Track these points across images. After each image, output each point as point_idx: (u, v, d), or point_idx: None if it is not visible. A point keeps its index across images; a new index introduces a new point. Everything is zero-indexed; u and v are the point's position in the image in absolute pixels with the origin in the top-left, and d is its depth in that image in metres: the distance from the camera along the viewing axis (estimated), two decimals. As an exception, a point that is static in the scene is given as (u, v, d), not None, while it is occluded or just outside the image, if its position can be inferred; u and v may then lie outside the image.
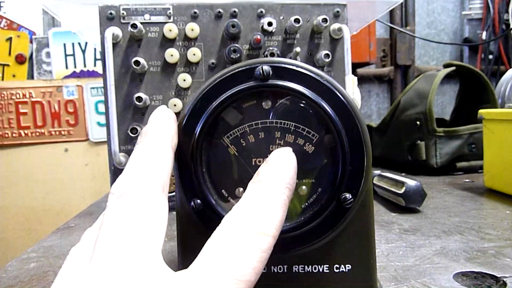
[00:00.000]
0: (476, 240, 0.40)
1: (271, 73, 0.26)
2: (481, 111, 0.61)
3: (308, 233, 0.27)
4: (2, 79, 1.44)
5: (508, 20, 1.42)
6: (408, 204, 0.50)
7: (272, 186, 0.23)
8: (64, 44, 1.43)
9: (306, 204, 0.27)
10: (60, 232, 0.50)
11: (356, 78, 0.57)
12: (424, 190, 0.50)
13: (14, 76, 1.44)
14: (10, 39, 1.43)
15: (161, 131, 0.25)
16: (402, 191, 0.50)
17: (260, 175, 0.24)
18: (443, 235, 0.42)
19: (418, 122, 0.77)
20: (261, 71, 0.26)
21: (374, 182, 0.61)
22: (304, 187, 0.27)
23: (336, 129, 0.26)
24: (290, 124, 0.27)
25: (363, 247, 0.27)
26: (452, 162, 0.76)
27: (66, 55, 1.43)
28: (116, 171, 0.58)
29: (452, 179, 0.73)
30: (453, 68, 0.81)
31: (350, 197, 0.26)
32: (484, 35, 1.45)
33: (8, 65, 1.44)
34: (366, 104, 1.62)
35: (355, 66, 1.46)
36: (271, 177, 0.23)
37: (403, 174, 0.80)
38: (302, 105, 0.27)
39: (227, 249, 0.20)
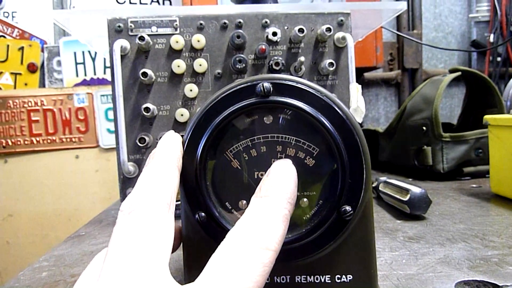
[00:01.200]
0: (480, 248, 0.40)
1: (271, 89, 0.27)
2: (486, 117, 0.62)
3: (309, 244, 0.27)
4: (15, 88, 1.47)
5: (516, 22, 1.42)
6: (413, 211, 0.50)
7: (274, 201, 0.24)
8: (75, 53, 1.46)
9: (308, 215, 0.28)
10: (71, 240, 0.51)
11: (360, 86, 0.57)
12: (429, 197, 0.51)
13: (26, 84, 1.47)
14: (22, 48, 1.46)
15: (167, 153, 0.26)
16: (406, 198, 0.51)
17: (262, 190, 0.24)
18: (447, 243, 0.42)
19: (424, 128, 0.77)
20: (261, 88, 0.27)
21: (379, 188, 0.61)
22: (305, 199, 0.28)
23: (335, 143, 0.27)
24: (291, 138, 0.28)
25: (364, 258, 0.28)
26: (459, 167, 0.76)
27: (76, 63, 1.46)
28: (125, 180, 0.59)
29: (459, 184, 0.73)
30: (459, 73, 0.81)
31: (350, 209, 0.27)
32: (491, 38, 1.45)
33: (20, 73, 1.47)
34: (374, 108, 1.62)
35: (362, 71, 1.46)
36: (272, 192, 0.24)
37: (410, 179, 0.80)
38: (302, 119, 0.28)
39: (230, 264, 0.21)
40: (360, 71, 1.47)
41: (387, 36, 1.53)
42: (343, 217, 0.27)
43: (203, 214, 0.28)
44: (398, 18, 1.56)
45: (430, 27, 1.63)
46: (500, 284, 0.32)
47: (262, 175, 0.28)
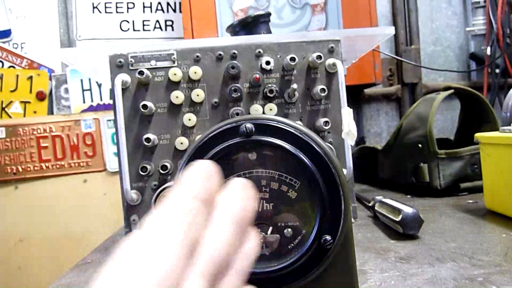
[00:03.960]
0: (467, 267, 0.41)
1: (254, 129, 0.29)
2: (477, 135, 0.63)
3: (294, 272, 0.29)
4: (24, 116, 1.51)
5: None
6: (405, 231, 0.52)
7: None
8: (81, 80, 1.50)
9: (292, 245, 0.30)
10: (77, 268, 0.53)
11: (351, 110, 0.59)
12: (421, 216, 0.52)
13: (35, 112, 1.52)
14: (31, 77, 1.51)
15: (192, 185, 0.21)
16: (399, 218, 0.52)
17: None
18: (437, 263, 0.43)
19: (420, 145, 0.79)
20: (244, 128, 0.29)
21: (375, 208, 0.63)
22: (289, 229, 0.30)
23: (314, 178, 0.29)
24: (274, 173, 0.30)
25: (346, 285, 0.30)
26: (456, 183, 0.77)
27: (83, 90, 1.50)
28: (128, 208, 0.62)
29: (456, 200, 0.74)
30: (452, 91, 0.83)
31: (330, 238, 0.29)
32: (488, 51, 1.46)
33: (29, 102, 1.52)
34: (376, 123, 1.64)
35: (361, 87, 1.49)
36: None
37: (409, 196, 0.82)
38: (284, 155, 0.30)
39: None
40: (359, 88, 1.50)
41: (385, 52, 1.56)
42: (324, 246, 0.29)
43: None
44: (396, 34, 1.58)
45: (428, 42, 1.65)
46: (481, 304, 0.33)
47: (248, 208, 0.30)
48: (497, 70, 1.50)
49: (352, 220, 0.63)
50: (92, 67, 0.72)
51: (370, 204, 0.66)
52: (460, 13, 1.64)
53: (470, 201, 0.72)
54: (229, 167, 0.31)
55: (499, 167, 0.59)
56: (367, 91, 1.57)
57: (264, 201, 0.30)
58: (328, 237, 0.29)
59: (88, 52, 0.64)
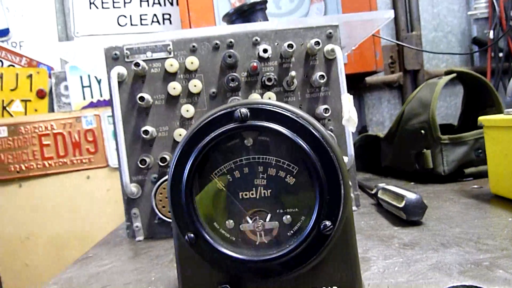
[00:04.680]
0: (473, 252, 0.40)
1: (249, 114, 0.29)
2: (480, 118, 0.62)
3: (294, 259, 0.29)
4: (25, 114, 1.51)
5: (515, 17, 1.41)
6: (408, 218, 0.51)
7: None
8: (81, 77, 1.50)
9: (292, 232, 0.29)
10: (79, 262, 0.53)
11: (351, 96, 0.58)
12: (424, 202, 0.51)
13: (36, 110, 1.51)
14: (30, 75, 1.51)
15: None
16: (402, 204, 0.51)
17: None
18: (441, 248, 0.43)
19: (422, 131, 0.77)
20: (239, 114, 0.28)
21: (378, 195, 0.62)
22: (288, 216, 0.29)
23: (312, 162, 0.28)
24: (271, 158, 0.29)
25: (347, 271, 0.29)
26: (460, 168, 0.76)
27: (83, 87, 1.50)
28: (129, 201, 0.61)
29: (460, 186, 0.73)
30: (454, 75, 0.81)
31: (330, 224, 0.28)
32: (491, 34, 1.44)
33: (30, 100, 1.51)
34: (378, 111, 1.62)
35: (363, 75, 1.47)
36: None
37: (413, 183, 0.81)
38: (280, 140, 0.29)
39: None
40: (361, 76, 1.48)
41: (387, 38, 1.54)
42: (324, 232, 0.28)
43: (192, 235, 0.29)
44: (396, 20, 1.56)
45: (429, 27, 1.63)
46: (487, 288, 0.32)
47: (246, 195, 0.30)
48: (501, 54, 1.48)
49: (355, 208, 0.63)
50: (90, 62, 0.71)
51: (373, 192, 0.66)
52: (462, -3, 1.61)
53: (475, 187, 0.70)
54: (224, 154, 0.30)
55: (504, 150, 0.58)
56: (369, 79, 1.55)
57: (262, 187, 0.30)
58: (328, 223, 0.28)
59: (84, 46, 0.63)
